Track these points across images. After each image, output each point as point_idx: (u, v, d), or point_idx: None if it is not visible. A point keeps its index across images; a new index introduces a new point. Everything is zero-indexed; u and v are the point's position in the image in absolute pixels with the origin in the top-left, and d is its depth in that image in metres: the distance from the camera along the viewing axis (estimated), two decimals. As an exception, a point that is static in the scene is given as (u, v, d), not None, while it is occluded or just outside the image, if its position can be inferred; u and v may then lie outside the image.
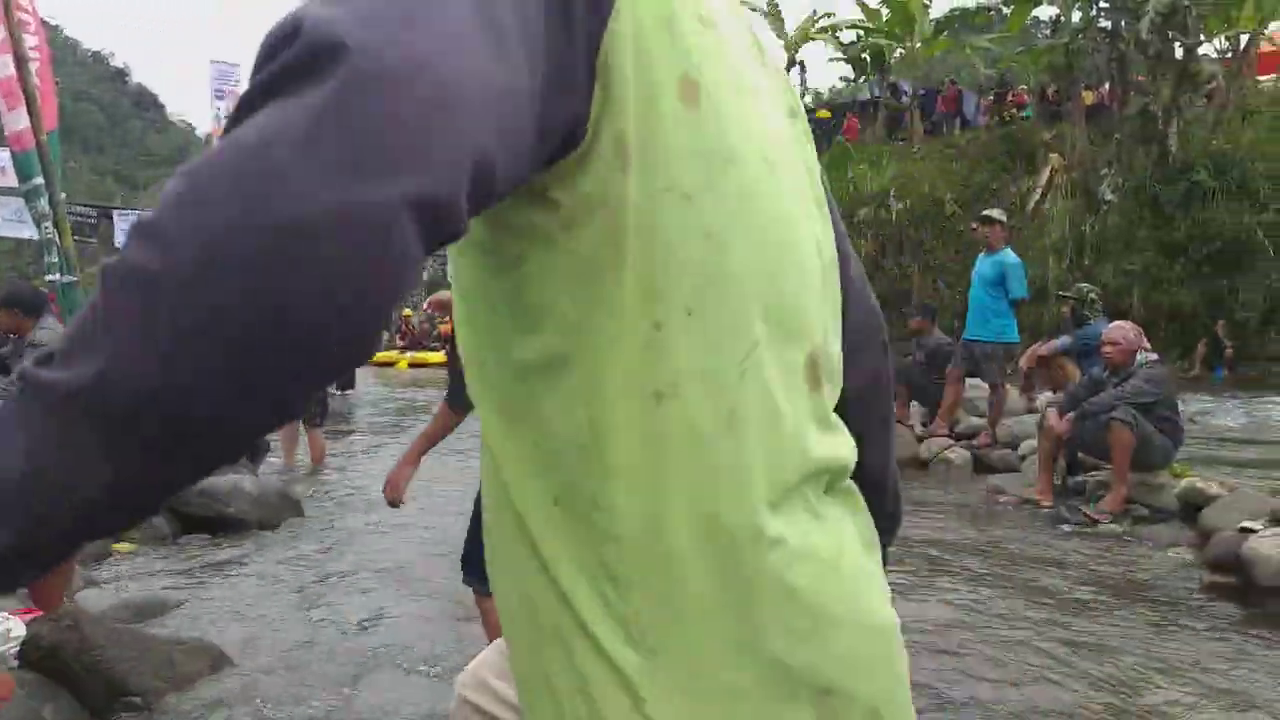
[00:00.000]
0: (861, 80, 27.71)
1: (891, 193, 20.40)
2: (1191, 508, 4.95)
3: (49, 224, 5.73)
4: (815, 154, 0.86)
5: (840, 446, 0.79)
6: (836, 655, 0.71)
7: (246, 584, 4.16)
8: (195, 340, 0.44)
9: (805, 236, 0.77)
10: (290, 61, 0.47)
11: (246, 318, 0.44)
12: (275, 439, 8.49)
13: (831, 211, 0.88)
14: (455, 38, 0.50)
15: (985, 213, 7.43)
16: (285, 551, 4.76)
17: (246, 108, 0.48)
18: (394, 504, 2.89)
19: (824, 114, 28.40)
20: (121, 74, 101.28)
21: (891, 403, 1.07)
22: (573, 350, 0.65)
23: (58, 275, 5.75)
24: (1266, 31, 18.93)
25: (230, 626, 3.53)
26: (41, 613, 3.03)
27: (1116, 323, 5.90)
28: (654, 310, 0.64)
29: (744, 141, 0.68)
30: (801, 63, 29.63)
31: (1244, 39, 18.65)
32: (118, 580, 4.22)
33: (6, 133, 5.55)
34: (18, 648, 2.70)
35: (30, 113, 5.44)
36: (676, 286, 0.64)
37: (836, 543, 0.75)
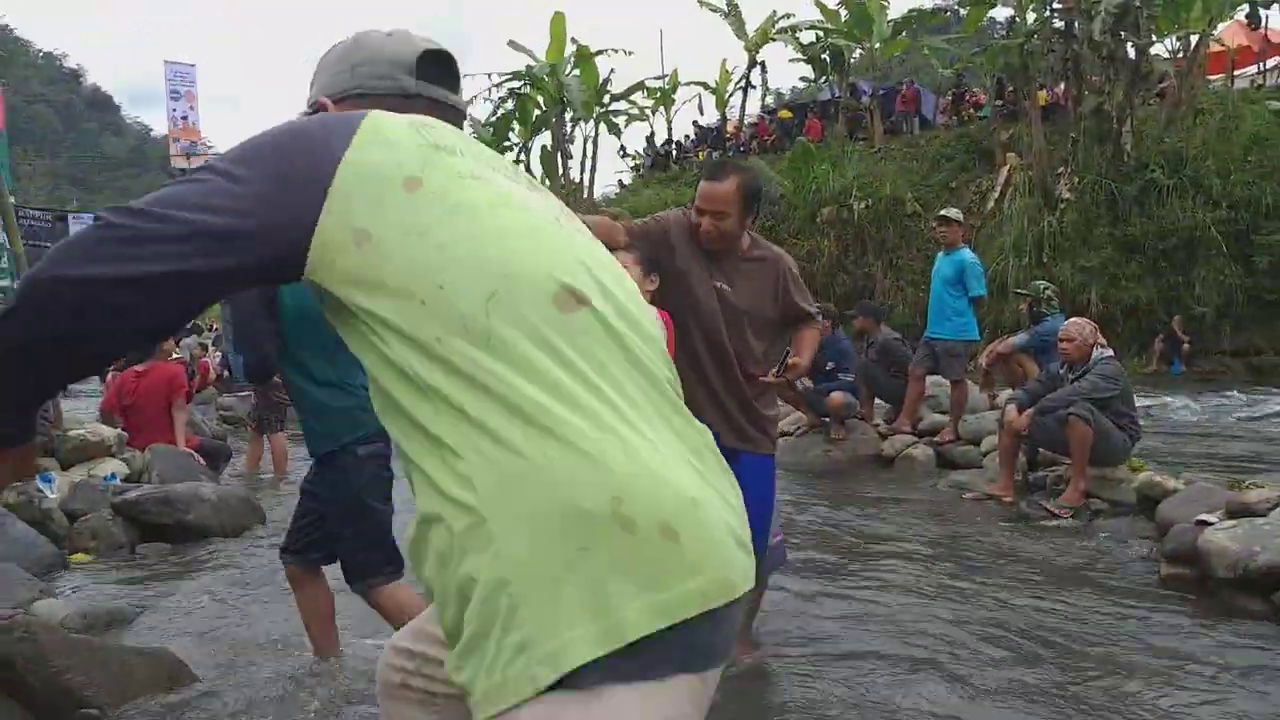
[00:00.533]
0: (821, 81, 27.86)
1: (853, 192, 20.55)
2: (1149, 501, 5.03)
3: (-1, 230, 5.63)
4: (553, 200, 1.23)
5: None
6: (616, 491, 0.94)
7: (206, 593, 4.10)
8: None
9: (542, 224, 1.11)
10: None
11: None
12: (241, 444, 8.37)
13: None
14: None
15: (942, 213, 7.51)
16: (247, 559, 4.69)
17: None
18: None
19: (786, 114, 28.56)
20: (76, 75, 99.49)
21: None
22: (402, 324, 1.00)
23: (9, 280, 5.64)
24: (1215, 32, 19.31)
25: (189, 636, 3.47)
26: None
27: (1073, 319, 5.98)
28: (417, 292, 0.99)
29: (466, 197, 1.05)
30: (762, 63, 29.75)
31: (1194, 39, 19.00)
32: (75, 591, 4.14)
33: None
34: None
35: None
36: (426, 277, 0.99)
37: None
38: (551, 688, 0.87)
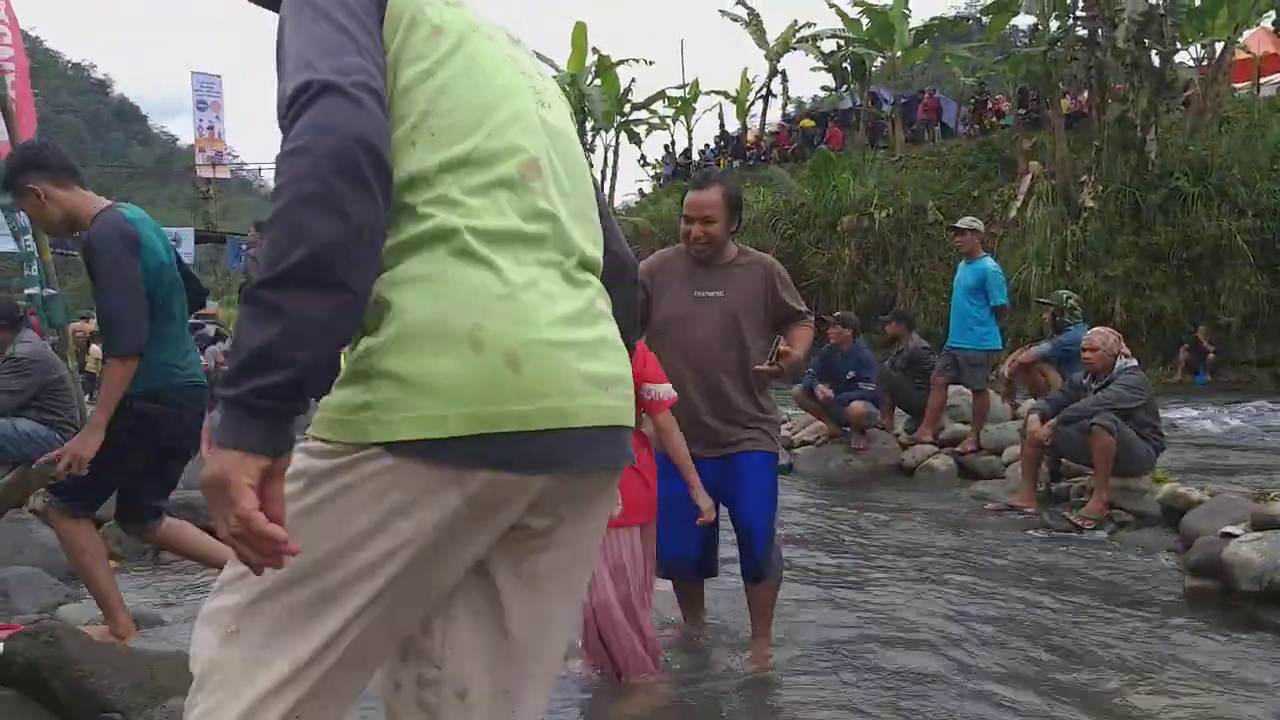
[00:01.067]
0: (843, 89, 27.83)
1: (874, 201, 20.49)
2: (1173, 513, 4.97)
3: (28, 237, 5.67)
4: (549, 86, 1.39)
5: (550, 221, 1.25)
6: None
7: (229, 598, 4.13)
8: None
9: (521, 90, 1.30)
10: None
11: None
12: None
13: (597, 191, 1.46)
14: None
15: (955, 223, 7.50)
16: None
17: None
18: None
19: (809, 123, 28.52)
20: (103, 85, 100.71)
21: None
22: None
23: (38, 289, 5.70)
24: (1240, 39, 19.16)
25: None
26: (20, 629, 3.00)
27: (1096, 328, 5.94)
28: (413, 134, 1.17)
29: (476, 46, 1.25)
30: (783, 72, 29.80)
31: (1219, 47, 18.85)
32: (98, 596, 4.17)
33: (-13, 146, 5.49)
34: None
35: (8, 125, 5.40)
36: (426, 119, 1.18)
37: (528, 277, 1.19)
38: (365, 445, 1.11)
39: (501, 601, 1.26)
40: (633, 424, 1.30)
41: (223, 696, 1.13)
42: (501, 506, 1.17)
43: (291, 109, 1.06)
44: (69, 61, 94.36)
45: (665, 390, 3.05)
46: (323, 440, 1.14)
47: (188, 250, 30.49)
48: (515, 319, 1.14)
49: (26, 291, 5.83)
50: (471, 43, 1.25)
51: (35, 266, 5.73)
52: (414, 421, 1.10)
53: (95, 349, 18.28)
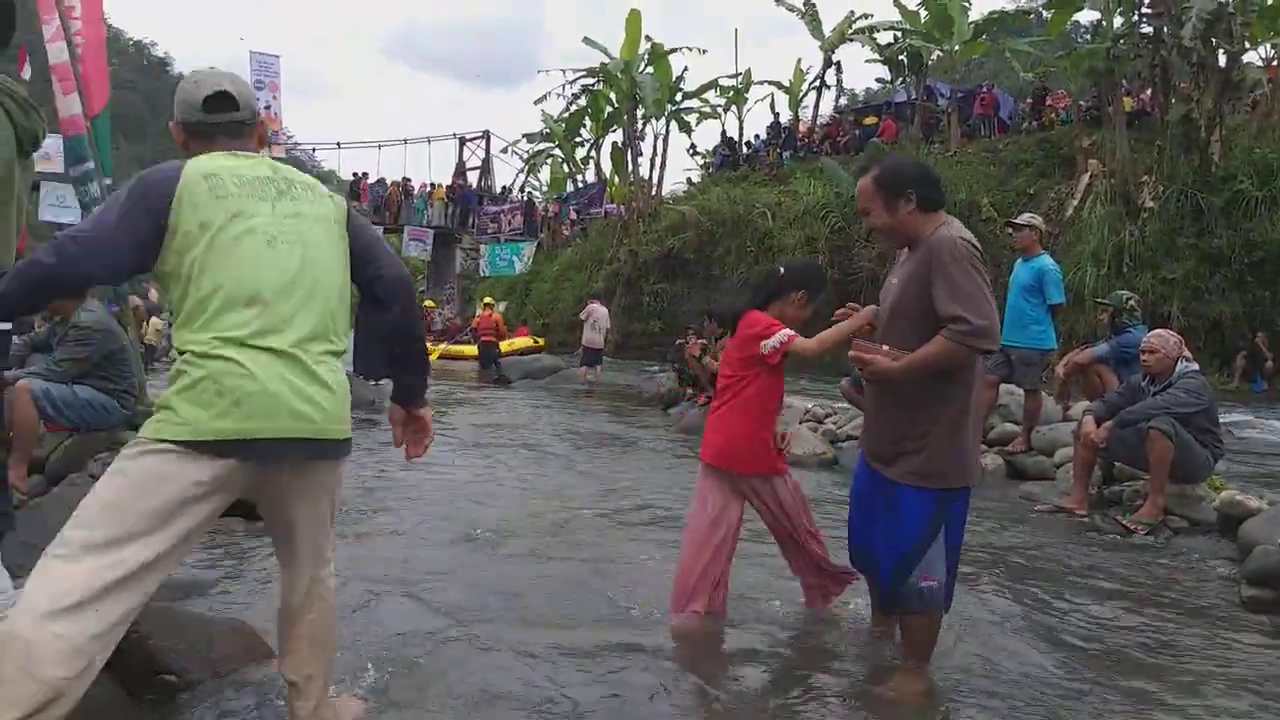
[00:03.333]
0: (898, 82, 27.49)
1: (927, 196, 20.20)
2: (1231, 521, 4.87)
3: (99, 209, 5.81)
4: (320, 204, 2.31)
5: (271, 336, 2.10)
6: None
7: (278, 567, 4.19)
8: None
9: (273, 259, 2.15)
10: None
11: None
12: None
13: (362, 234, 2.40)
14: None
15: (1014, 220, 7.36)
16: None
17: None
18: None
19: (870, 120, 28.21)
20: (163, 64, 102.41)
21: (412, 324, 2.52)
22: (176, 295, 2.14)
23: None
24: (1313, 40, 18.61)
25: (266, 610, 3.55)
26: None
27: (1157, 330, 5.81)
28: (187, 296, 2.09)
29: (229, 222, 2.11)
30: (838, 63, 29.48)
31: (1289, 47, 18.35)
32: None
33: (60, 117, 5.61)
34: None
35: (80, 97, 5.51)
36: (196, 286, 2.09)
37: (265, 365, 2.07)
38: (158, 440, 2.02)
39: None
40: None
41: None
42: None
43: None
44: (130, 39, 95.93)
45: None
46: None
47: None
48: (242, 375, 2.09)
49: None
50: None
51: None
52: (182, 431, 2.04)
53: (156, 321, 18.68)
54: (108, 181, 5.95)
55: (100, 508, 1.97)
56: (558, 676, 3.00)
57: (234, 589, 3.84)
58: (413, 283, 2.60)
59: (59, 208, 22.71)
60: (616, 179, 31.34)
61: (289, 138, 39.73)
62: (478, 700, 2.81)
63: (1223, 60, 16.88)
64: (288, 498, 2.23)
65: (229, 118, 2.30)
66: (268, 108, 34.64)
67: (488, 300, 20.01)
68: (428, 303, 23.04)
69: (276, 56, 33.79)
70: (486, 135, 38.66)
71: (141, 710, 2.66)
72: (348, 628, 3.23)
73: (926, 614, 2.98)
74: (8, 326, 2.60)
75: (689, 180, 34.29)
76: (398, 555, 4.49)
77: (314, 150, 54.77)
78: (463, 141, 38.67)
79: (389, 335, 2.47)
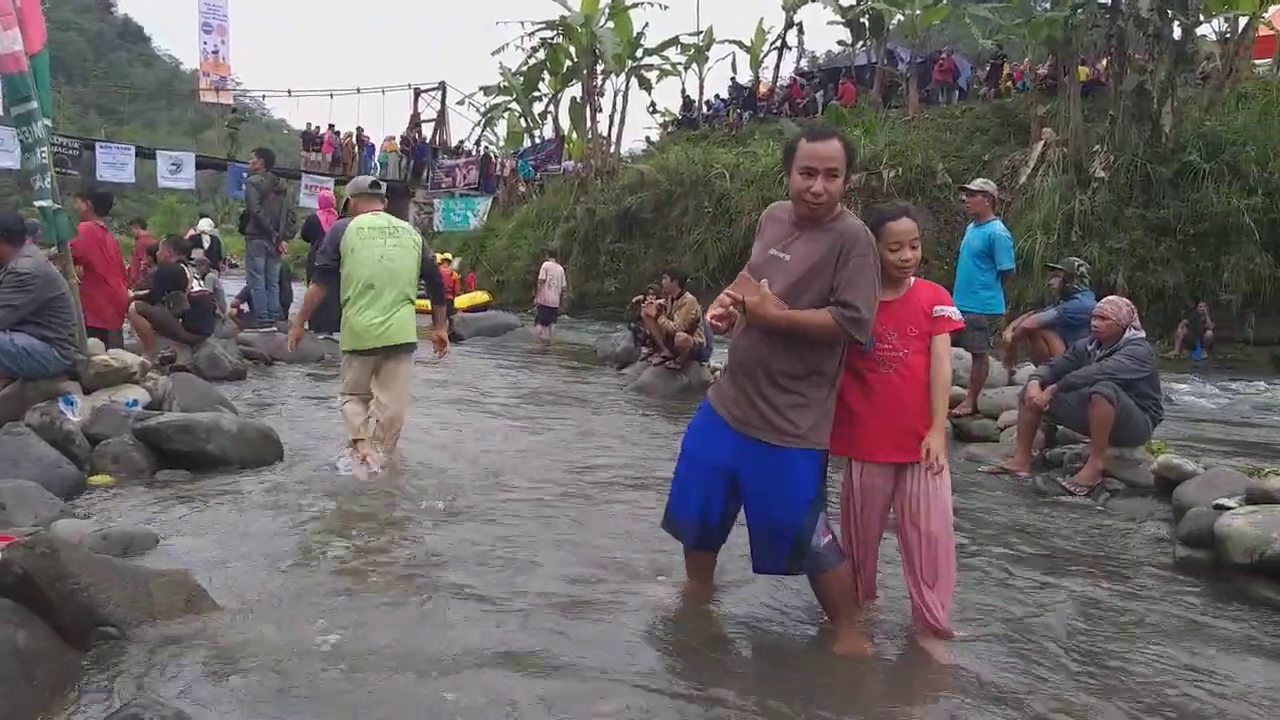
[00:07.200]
0: (859, 45, 27.44)
1: (884, 160, 20.32)
2: (1167, 484, 5.00)
3: (44, 149, 5.59)
4: (408, 239, 5.52)
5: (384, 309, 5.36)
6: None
7: (224, 522, 4.14)
8: None
9: (381, 259, 5.34)
10: None
11: None
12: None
13: (425, 251, 5.62)
14: None
15: (967, 185, 7.42)
16: (265, 490, 4.73)
17: None
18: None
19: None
20: (107, 4, 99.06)
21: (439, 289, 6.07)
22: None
23: (47, 201, 5.63)
24: (1266, 15, 18.86)
25: (208, 563, 3.51)
26: (16, 540, 3.00)
27: (1111, 297, 5.89)
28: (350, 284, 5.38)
29: (365, 247, 5.33)
30: (799, 24, 29.35)
31: (1242, 21, 18.58)
32: (95, 514, 4.19)
33: None
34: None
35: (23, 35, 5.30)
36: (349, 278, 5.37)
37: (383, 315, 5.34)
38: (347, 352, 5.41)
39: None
40: (400, 342, 5.42)
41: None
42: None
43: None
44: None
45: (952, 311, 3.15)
46: None
47: (188, 176, 30.23)
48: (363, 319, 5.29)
49: (37, 204, 5.76)
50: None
51: (48, 179, 5.65)
52: (346, 345, 5.35)
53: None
54: (46, 123, 5.75)
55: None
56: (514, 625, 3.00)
57: (175, 543, 3.79)
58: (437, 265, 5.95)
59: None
60: (575, 135, 31.03)
61: (237, 84, 38.66)
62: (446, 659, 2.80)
63: (1178, 32, 17.07)
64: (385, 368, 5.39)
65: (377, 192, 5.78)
66: (215, 52, 33.75)
67: (445, 256, 19.76)
68: (443, 256, 22.09)
69: (225, -1, 32.80)
70: (442, 87, 38.04)
71: (81, 662, 2.62)
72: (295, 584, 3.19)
73: (834, 569, 3.05)
74: None
75: (648, 139, 34.09)
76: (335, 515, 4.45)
77: (264, 97, 53.29)
78: (418, 93, 38.01)
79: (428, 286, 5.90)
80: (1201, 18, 17.94)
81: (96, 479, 4.75)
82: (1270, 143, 16.07)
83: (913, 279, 3.15)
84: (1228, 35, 18.92)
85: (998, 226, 7.08)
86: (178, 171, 29.55)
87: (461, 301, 18.63)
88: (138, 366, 6.14)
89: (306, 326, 5.96)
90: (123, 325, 8.35)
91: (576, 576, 3.63)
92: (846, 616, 3.13)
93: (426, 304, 6.04)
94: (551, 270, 15.62)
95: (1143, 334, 5.64)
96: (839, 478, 3.31)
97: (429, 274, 5.64)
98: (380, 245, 5.29)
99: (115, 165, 28.34)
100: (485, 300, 20.52)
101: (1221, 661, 3.15)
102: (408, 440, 5.86)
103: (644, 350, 10.86)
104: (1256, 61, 20.29)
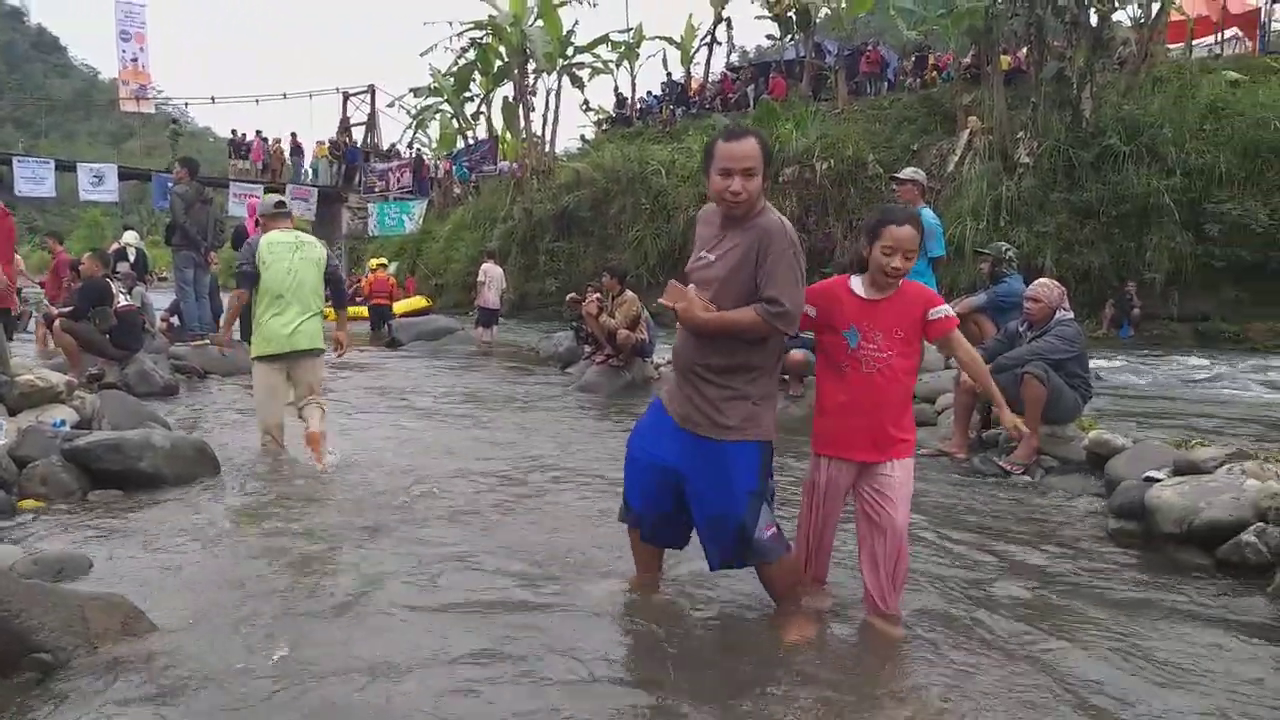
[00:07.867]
0: (787, 39, 27.70)
1: (816, 153, 20.54)
2: (1099, 459, 5.14)
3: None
4: (313, 253, 5.95)
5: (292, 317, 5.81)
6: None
7: (160, 542, 4.04)
8: None
9: (289, 272, 5.76)
10: None
11: None
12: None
13: (328, 261, 6.07)
14: None
15: (897, 174, 7.54)
16: (200, 507, 4.63)
17: None
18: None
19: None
20: (18, 13, 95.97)
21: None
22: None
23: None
24: (1176, 1, 19.45)
25: (144, 584, 3.43)
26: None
27: (1043, 280, 6.04)
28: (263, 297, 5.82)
29: (275, 262, 5.75)
30: (728, 20, 29.56)
31: (1155, 7, 19.13)
32: (25, 538, 4.06)
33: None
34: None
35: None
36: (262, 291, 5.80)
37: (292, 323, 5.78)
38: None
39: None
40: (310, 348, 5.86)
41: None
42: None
43: None
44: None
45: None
46: None
47: (111, 188, 29.41)
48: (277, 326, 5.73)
49: None
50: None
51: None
52: (257, 351, 5.75)
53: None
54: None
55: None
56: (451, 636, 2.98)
57: (110, 565, 3.69)
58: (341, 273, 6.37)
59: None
60: (509, 135, 30.85)
61: (158, 92, 37.72)
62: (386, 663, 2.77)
63: (1094, 19, 17.51)
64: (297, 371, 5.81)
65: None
66: (134, 60, 32.85)
67: (380, 261, 19.51)
68: (373, 261, 21.39)
69: (143, 5, 31.94)
70: (371, 90, 37.52)
71: (12, 691, 2.54)
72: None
73: (778, 559, 3.09)
74: None
75: (582, 137, 34.02)
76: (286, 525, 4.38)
77: (187, 105, 52.13)
78: (346, 96, 37.43)
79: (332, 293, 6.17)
80: (1116, 4, 18.44)
81: (25, 503, 4.60)
82: (1185, 124, 16.60)
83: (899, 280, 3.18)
84: (1142, 21, 19.48)
85: (928, 214, 7.19)
86: (100, 184, 28.72)
87: (400, 307, 18.44)
88: (64, 385, 5.97)
89: (236, 336, 6.00)
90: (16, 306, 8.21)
91: (523, 576, 3.62)
92: (793, 604, 3.18)
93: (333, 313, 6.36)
94: (490, 272, 15.50)
95: (1071, 315, 5.78)
96: (801, 470, 3.34)
97: (332, 281, 6.08)
98: (288, 260, 5.76)
99: (34, 180, 27.44)
100: (425, 305, 20.30)
101: (1159, 627, 3.25)
102: (347, 443, 5.77)
103: (587, 349, 10.84)
104: (1169, 46, 20.92)
